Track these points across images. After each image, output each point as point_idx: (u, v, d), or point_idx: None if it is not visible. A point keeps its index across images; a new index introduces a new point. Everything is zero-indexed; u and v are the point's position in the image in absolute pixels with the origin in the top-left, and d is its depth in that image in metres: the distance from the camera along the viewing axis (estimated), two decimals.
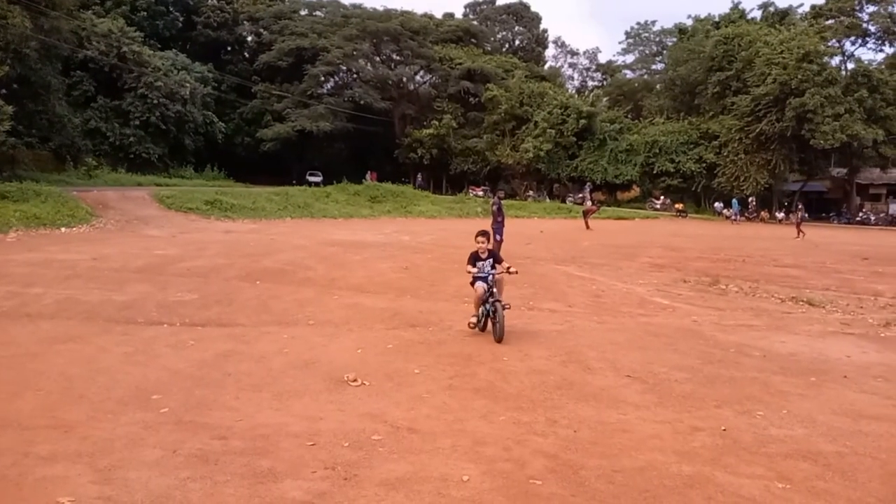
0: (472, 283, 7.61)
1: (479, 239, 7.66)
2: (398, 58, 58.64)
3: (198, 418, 4.61)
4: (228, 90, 55.12)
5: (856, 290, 12.29)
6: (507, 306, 7.35)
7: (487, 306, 7.42)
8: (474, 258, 7.60)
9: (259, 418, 4.65)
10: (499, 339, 7.11)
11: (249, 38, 64.31)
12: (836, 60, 44.07)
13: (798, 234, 27.58)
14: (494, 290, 7.30)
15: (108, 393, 5.10)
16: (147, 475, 3.69)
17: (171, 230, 20.32)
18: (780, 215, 42.73)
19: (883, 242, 26.37)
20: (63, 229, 18.87)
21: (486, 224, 16.32)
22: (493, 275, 7.44)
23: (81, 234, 18.59)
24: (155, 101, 40.95)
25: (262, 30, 61.88)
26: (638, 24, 73.30)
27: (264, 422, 4.58)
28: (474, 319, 7.58)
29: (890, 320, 9.23)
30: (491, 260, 7.63)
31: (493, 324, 7.29)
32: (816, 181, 47.54)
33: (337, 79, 61.44)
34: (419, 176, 54.04)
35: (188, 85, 43.49)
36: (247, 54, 63.45)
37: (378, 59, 58.90)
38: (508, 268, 7.52)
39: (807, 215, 32.11)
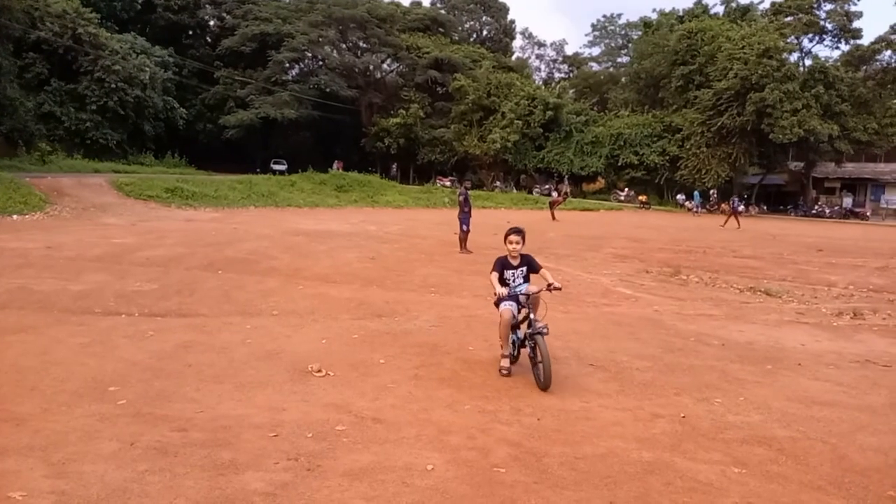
0: (497, 304, 5.70)
1: (513, 238, 5.68)
2: (365, 45, 58.03)
3: (157, 410, 4.51)
4: (190, 75, 53.82)
5: (811, 281, 12.67)
6: (545, 329, 5.23)
7: (520, 335, 5.62)
8: (501, 266, 5.68)
9: (220, 410, 4.57)
10: (545, 386, 5.19)
11: (212, 23, 62.89)
12: (794, 57, 45.25)
13: (725, 222, 29.40)
14: (532, 313, 5.42)
15: (62, 385, 4.95)
16: (103, 468, 3.59)
17: (130, 218, 19.81)
18: (740, 208, 43.76)
19: (837, 234, 27.25)
20: (15, 217, 18.23)
21: (453, 214, 16.32)
22: (528, 294, 5.53)
23: (34, 221, 17.98)
24: (113, 86, 39.70)
25: (224, 14, 60.56)
26: (604, 16, 74.64)
27: (226, 413, 4.50)
28: (506, 363, 5.63)
29: (842, 310, 9.54)
30: (524, 269, 5.71)
31: (534, 363, 5.35)
32: (775, 174, 48.82)
33: (302, 65, 60.58)
34: (394, 167, 53.58)
35: (148, 69, 42.31)
36: (209, 39, 62.04)
37: (344, 46, 58.18)
38: (550, 285, 5.40)
39: (741, 207, 34.37)
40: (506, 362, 5.59)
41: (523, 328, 5.59)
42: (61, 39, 38.11)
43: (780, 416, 4.91)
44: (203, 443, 3.99)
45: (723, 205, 43.41)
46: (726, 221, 29.65)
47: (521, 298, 5.52)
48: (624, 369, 6.01)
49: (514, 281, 5.67)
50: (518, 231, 5.73)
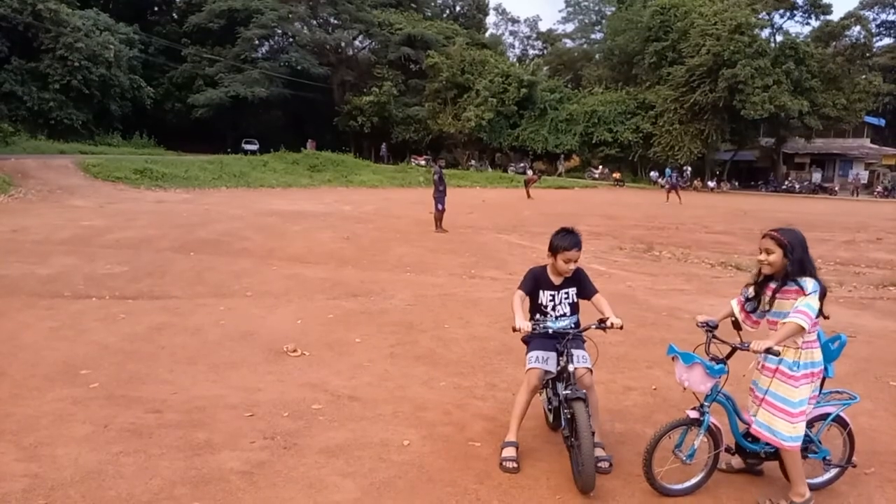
0: (526, 341, 3.82)
1: (571, 255, 3.65)
2: (336, 21, 57.06)
3: (130, 392, 4.47)
4: (156, 53, 52.39)
5: None
6: (584, 393, 3.39)
7: (551, 396, 3.69)
8: (534, 282, 3.75)
9: (195, 391, 4.55)
10: (584, 487, 3.22)
11: None
12: (765, 33, 45.59)
13: (667, 198, 29.53)
14: (573, 363, 3.51)
15: (32, 369, 4.88)
16: (76, 451, 3.57)
17: (99, 200, 19.39)
18: (712, 184, 44.41)
19: (806, 209, 27.80)
20: None
21: (428, 194, 16.24)
22: (572, 333, 3.61)
23: None
24: (76, 64, 38.45)
25: None
26: None
27: (200, 394, 4.49)
28: (510, 453, 3.57)
29: None
30: (573, 290, 3.79)
31: (569, 446, 3.42)
32: (746, 151, 49.45)
33: (272, 42, 59.40)
34: (382, 147, 52.70)
35: (112, 47, 41.03)
36: (175, 15, 60.31)
37: (315, 22, 57.15)
38: (602, 321, 3.61)
39: (679, 182, 34.96)
40: (510, 452, 3.59)
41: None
42: (20, 16, 36.76)
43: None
44: (178, 424, 3.97)
45: (695, 182, 44.05)
46: (669, 197, 29.72)
47: (564, 342, 3.55)
48: (597, 343, 6.08)
49: (553, 309, 3.76)
50: (577, 243, 3.66)
